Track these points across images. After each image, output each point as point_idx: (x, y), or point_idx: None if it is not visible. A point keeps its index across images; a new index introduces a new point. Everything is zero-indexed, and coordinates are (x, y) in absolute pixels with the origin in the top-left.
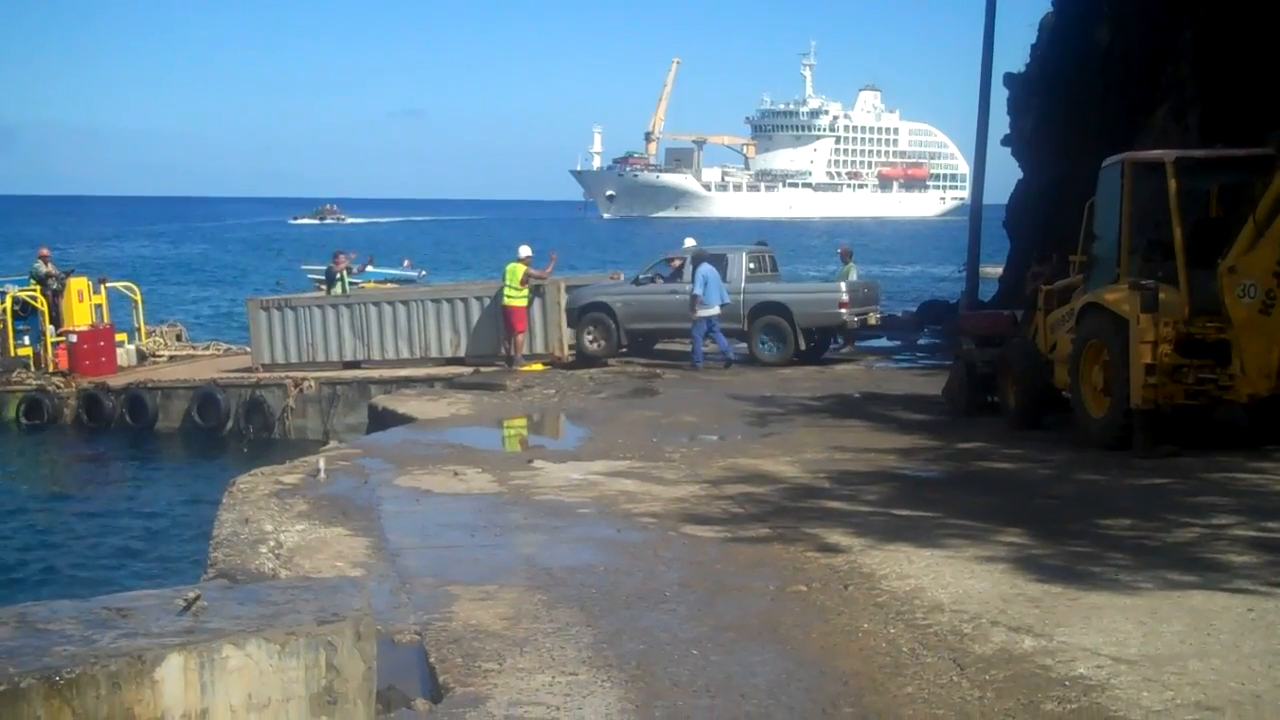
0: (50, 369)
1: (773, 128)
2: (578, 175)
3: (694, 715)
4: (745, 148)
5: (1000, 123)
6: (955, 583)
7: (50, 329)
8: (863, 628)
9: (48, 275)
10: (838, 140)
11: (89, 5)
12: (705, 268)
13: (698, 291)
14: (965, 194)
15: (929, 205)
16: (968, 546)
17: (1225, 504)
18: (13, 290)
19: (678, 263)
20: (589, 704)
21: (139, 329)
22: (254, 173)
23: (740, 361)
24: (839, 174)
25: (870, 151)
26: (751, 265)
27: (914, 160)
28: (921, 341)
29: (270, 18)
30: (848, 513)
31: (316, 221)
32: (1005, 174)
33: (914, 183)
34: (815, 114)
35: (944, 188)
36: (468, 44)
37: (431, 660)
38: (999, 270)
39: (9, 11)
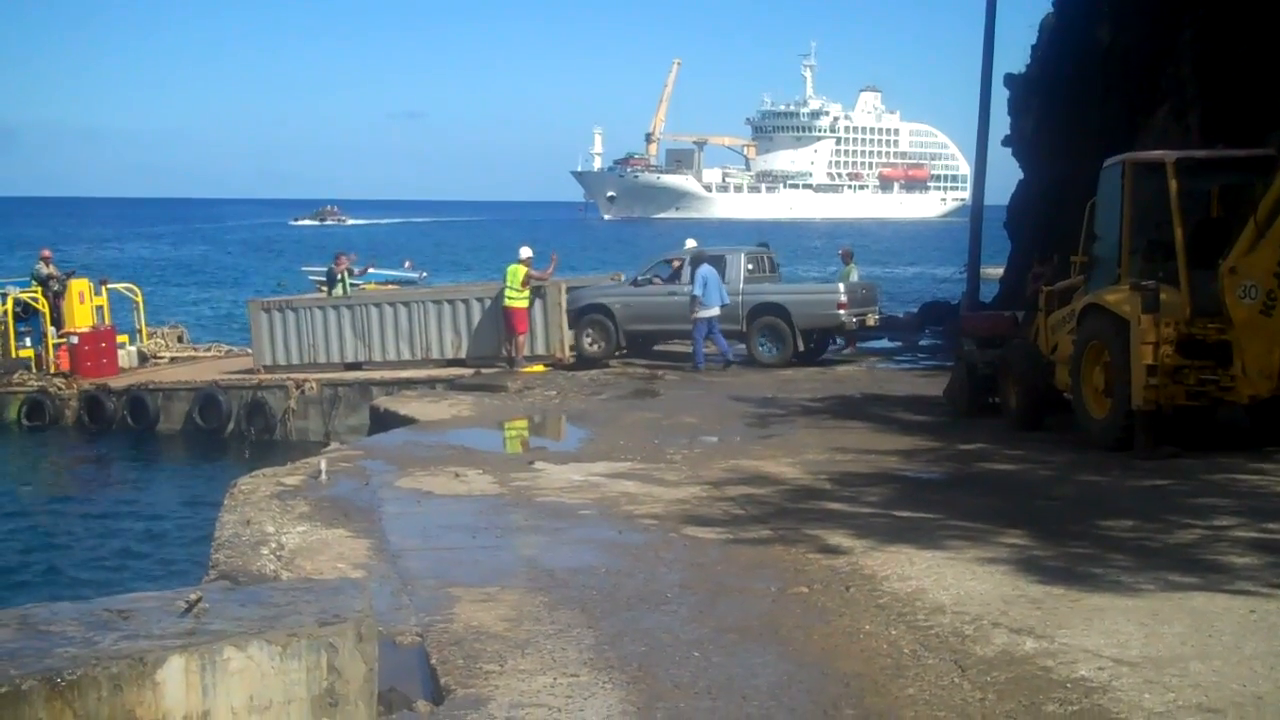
0: (52, 370)
1: (773, 129)
2: (578, 176)
3: (695, 717)
4: (746, 149)
5: (1001, 123)
6: (957, 584)
7: (51, 330)
8: (864, 629)
9: (49, 277)
10: (838, 141)
11: (89, 6)
12: (705, 269)
13: (697, 292)
14: (966, 195)
15: (930, 206)
16: (969, 548)
17: (1226, 505)
18: (14, 292)
19: (677, 264)
20: (590, 705)
21: (140, 330)
22: (254, 174)
23: (739, 363)
24: (840, 175)
25: (871, 152)
26: (750, 266)
27: (915, 161)
28: (923, 342)
29: (270, 19)
30: (849, 514)
31: (317, 223)
32: (1006, 175)
33: (915, 184)
34: (816, 115)
35: (945, 189)
36: (468, 45)
37: (433, 662)
38: (1000, 271)
39: (9, 12)
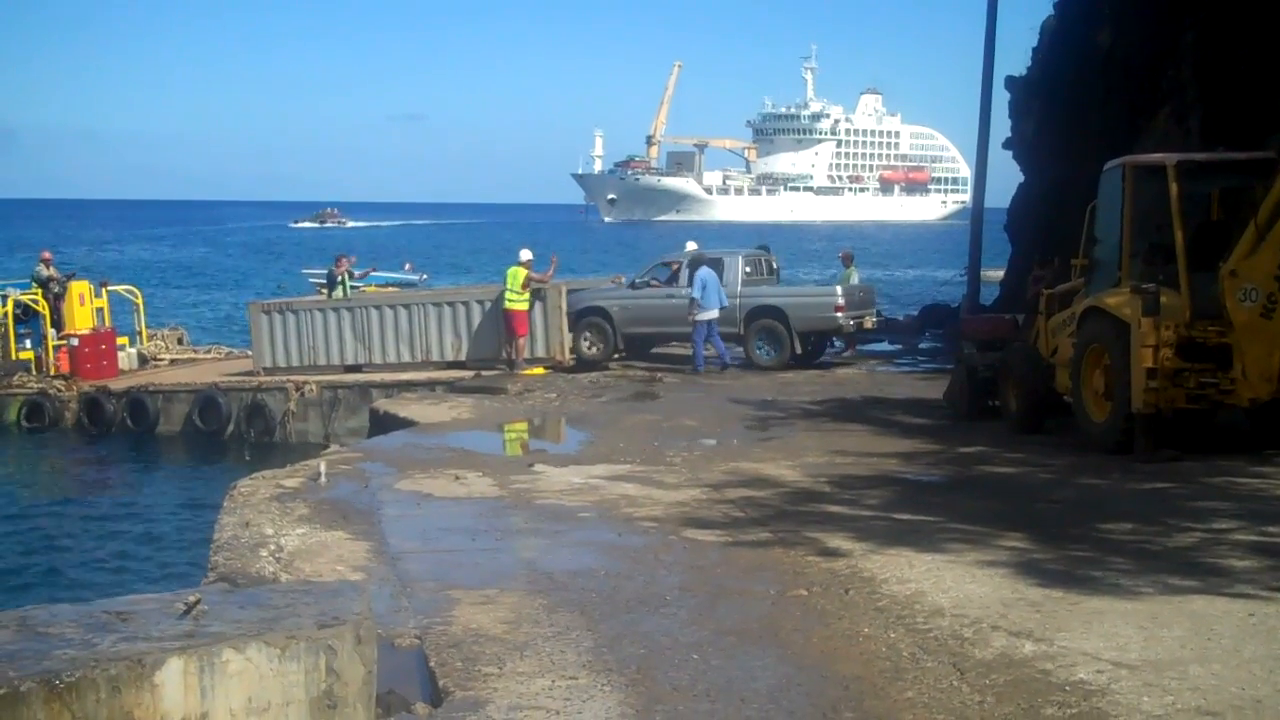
0: (51, 372)
1: (774, 131)
2: (579, 179)
3: None
4: (746, 151)
5: (1001, 126)
6: (956, 587)
7: (52, 332)
8: (863, 632)
9: (49, 279)
10: (839, 144)
11: (89, 8)
12: (704, 271)
13: (695, 295)
14: (966, 197)
15: (930, 209)
16: (968, 551)
17: (1226, 508)
18: (14, 294)
19: (675, 267)
20: (589, 708)
21: (140, 332)
22: (254, 176)
23: (737, 365)
24: (840, 177)
25: (872, 155)
26: (748, 269)
27: (915, 164)
28: (923, 345)
29: (270, 21)
30: (848, 517)
31: (317, 225)
32: (1006, 177)
33: (915, 186)
34: (816, 117)
35: (945, 191)
36: (468, 47)
37: (432, 664)
38: (1000, 274)
39: (9, 14)
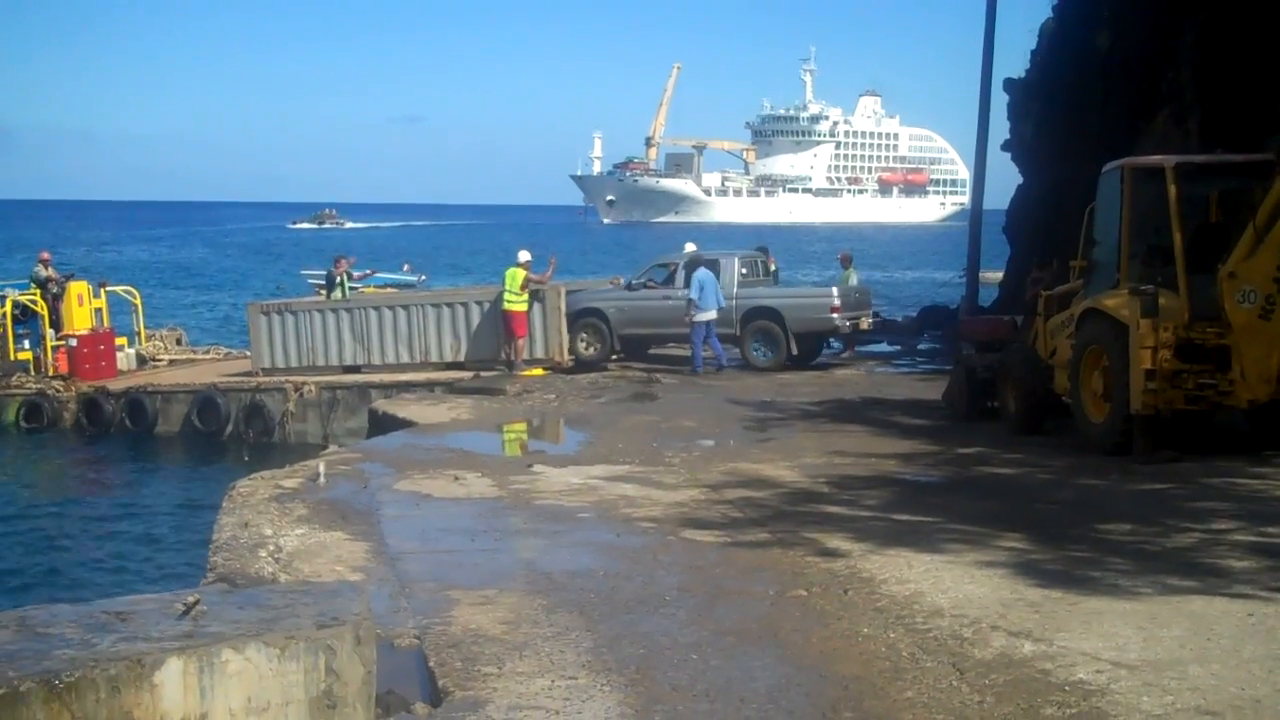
0: (50, 373)
1: (773, 133)
2: (578, 180)
3: None
4: (745, 153)
5: (1000, 128)
6: (955, 587)
7: (50, 333)
8: (862, 632)
9: (48, 279)
10: (838, 145)
11: (88, 9)
12: (701, 272)
13: (693, 296)
14: (965, 199)
15: (929, 210)
16: (968, 551)
17: (1225, 509)
18: (13, 294)
19: (672, 268)
20: (588, 708)
21: (139, 333)
22: (253, 177)
23: (732, 367)
24: (839, 179)
25: (870, 157)
26: (744, 270)
27: (914, 165)
28: (921, 346)
29: (270, 23)
30: (847, 517)
31: (315, 226)
32: (1005, 179)
33: (914, 188)
34: (815, 119)
35: (944, 193)
36: (468, 49)
37: (431, 664)
38: (999, 275)
39: (8, 14)
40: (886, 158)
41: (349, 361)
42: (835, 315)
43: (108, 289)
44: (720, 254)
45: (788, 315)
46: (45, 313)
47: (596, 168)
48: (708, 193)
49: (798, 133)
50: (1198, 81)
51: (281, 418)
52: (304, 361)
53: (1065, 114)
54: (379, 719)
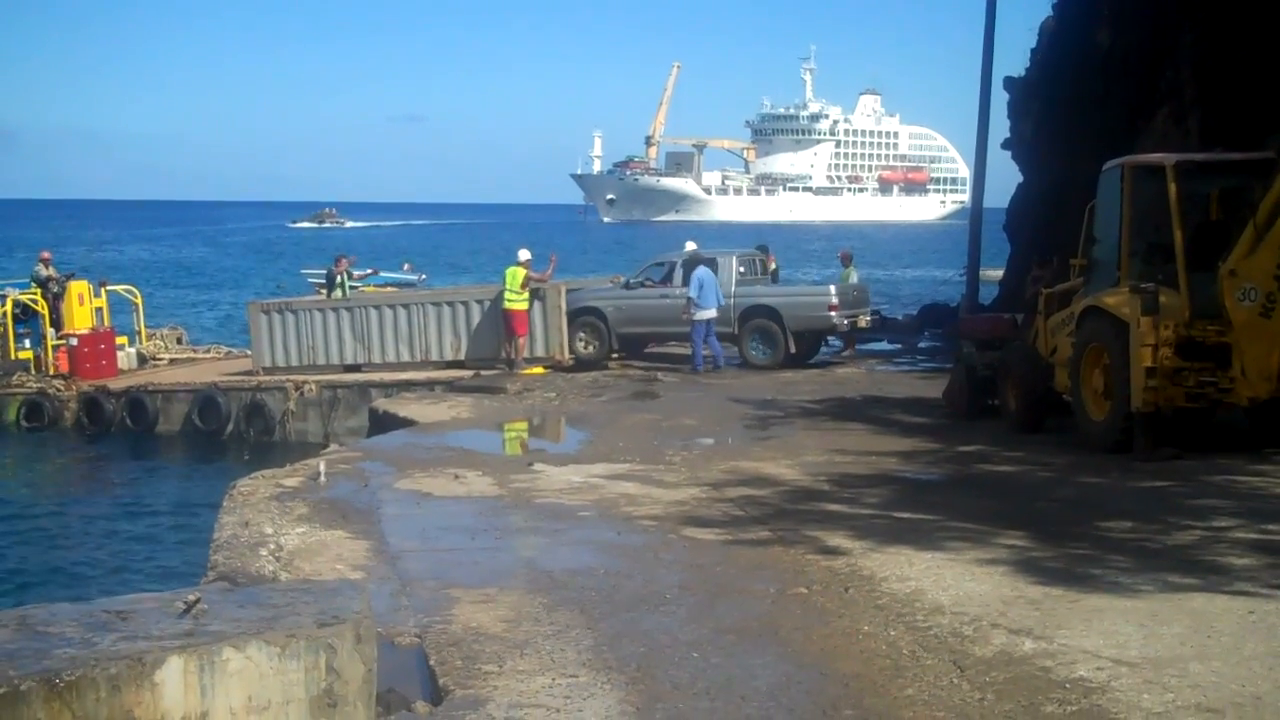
0: (51, 372)
1: (773, 131)
2: (578, 179)
3: (694, 718)
4: (745, 151)
5: (1000, 126)
6: (956, 585)
7: (51, 332)
8: (863, 630)
9: (48, 278)
10: (838, 144)
11: (89, 8)
12: (701, 270)
13: (692, 294)
14: (965, 197)
15: (929, 209)
16: (968, 549)
17: (1226, 507)
18: (13, 293)
19: (669, 266)
20: (589, 706)
21: (139, 332)
22: (254, 177)
23: (733, 365)
24: (839, 178)
25: (870, 155)
26: (741, 269)
27: (914, 164)
28: (922, 345)
29: (270, 23)
30: (848, 515)
31: (315, 225)
32: (1005, 177)
33: (914, 186)
34: (815, 118)
35: (944, 191)
36: (468, 48)
37: (431, 663)
38: (999, 274)
39: (8, 14)
40: (887, 156)
41: (349, 360)
42: (833, 313)
43: (108, 288)
44: (718, 253)
45: (786, 314)
46: (46, 312)
47: (597, 166)
48: (708, 191)
49: (798, 131)
50: (1198, 80)
51: (282, 417)
52: (304, 360)
53: (1065, 112)
54: (380, 717)
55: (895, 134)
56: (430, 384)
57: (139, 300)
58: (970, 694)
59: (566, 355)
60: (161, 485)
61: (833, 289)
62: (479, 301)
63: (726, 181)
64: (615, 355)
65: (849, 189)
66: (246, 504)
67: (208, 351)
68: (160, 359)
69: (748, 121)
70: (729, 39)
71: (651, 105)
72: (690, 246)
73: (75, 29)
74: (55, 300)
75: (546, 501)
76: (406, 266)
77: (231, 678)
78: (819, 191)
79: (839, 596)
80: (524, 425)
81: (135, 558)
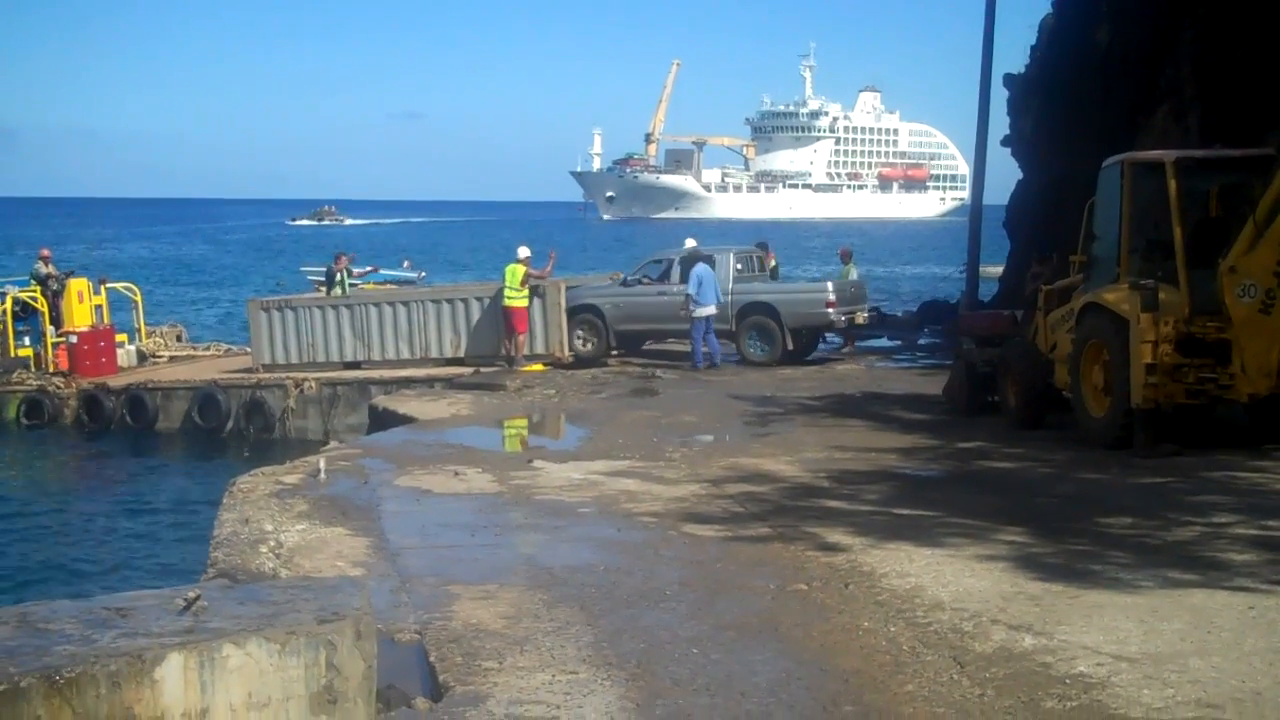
0: (50, 369)
1: (773, 129)
2: (578, 176)
3: (694, 714)
4: (745, 149)
5: (1000, 123)
6: (956, 581)
7: (50, 330)
8: (863, 626)
9: (48, 276)
10: (838, 141)
11: (89, 8)
12: (700, 268)
13: (691, 291)
14: (965, 194)
15: (929, 206)
16: (968, 545)
17: (1226, 503)
18: (13, 291)
19: (667, 263)
20: (589, 702)
21: (139, 329)
22: (253, 175)
23: (732, 363)
24: (839, 175)
25: (870, 152)
26: (739, 266)
27: (914, 161)
28: (922, 341)
29: (269, 21)
30: (848, 512)
31: (315, 223)
32: (1005, 174)
33: (914, 183)
34: (815, 115)
35: (944, 188)
36: (467, 46)
37: (432, 659)
38: (999, 270)
39: (9, 13)
40: (886, 153)
41: (349, 358)
42: (831, 310)
43: (108, 286)
44: (716, 250)
45: (783, 310)
46: (46, 309)
47: (596, 164)
48: (707, 189)
49: (797, 128)
50: (1197, 77)
51: (282, 414)
52: (304, 358)
53: (1065, 109)
54: (380, 714)
55: (895, 131)
56: (430, 381)
57: (139, 298)
58: (970, 690)
59: (566, 352)
60: (161, 482)
61: (830, 286)
62: (478, 299)
63: (726, 179)
64: (615, 352)
65: (849, 186)
66: (246, 501)
67: (207, 349)
68: (160, 356)
69: (747, 119)
70: (729, 36)
71: (651, 102)
72: (690, 244)
73: (75, 28)
74: (55, 298)
75: (546, 498)
76: (406, 264)
77: (231, 674)
78: (819, 189)
79: (839, 593)
80: (524, 422)
81: (135, 555)
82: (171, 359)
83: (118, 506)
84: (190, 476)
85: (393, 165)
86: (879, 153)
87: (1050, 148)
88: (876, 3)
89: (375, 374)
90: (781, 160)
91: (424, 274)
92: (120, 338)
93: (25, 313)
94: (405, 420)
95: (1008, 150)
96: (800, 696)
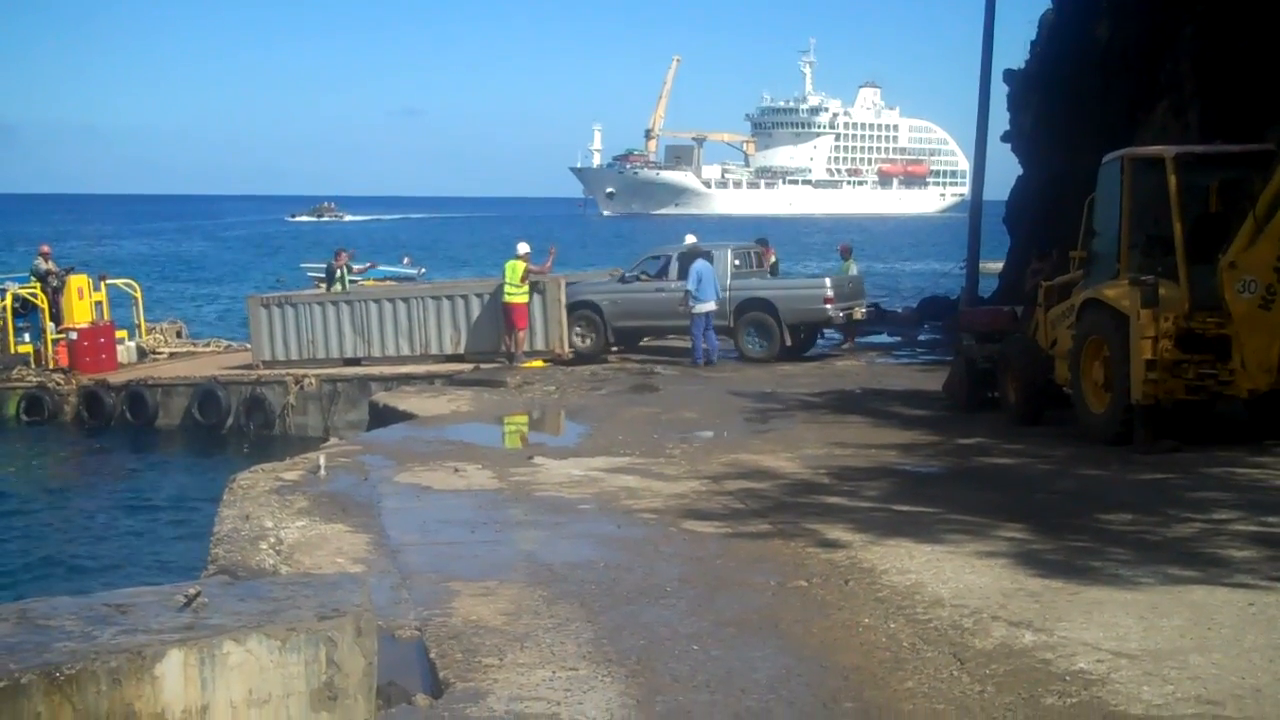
0: (50, 366)
1: (773, 125)
2: (578, 173)
3: (694, 710)
4: (745, 145)
5: (1000, 119)
6: (956, 578)
7: (50, 326)
8: (863, 623)
9: (48, 272)
10: (838, 137)
11: (88, 4)
12: (700, 263)
13: (690, 287)
14: (965, 190)
15: (929, 202)
16: (968, 542)
17: (1226, 499)
18: (13, 287)
19: (665, 260)
20: (589, 699)
21: (139, 326)
22: (252, 171)
23: (731, 359)
24: (839, 171)
25: (870, 148)
26: (736, 262)
27: (914, 157)
28: (922, 337)
29: (269, 17)
30: (848, 508)
31: (314, 219)
32: (1005, 170)
33: (914, 179)
34: (815, 111)
35: (944, 184)
36: (467, 42)
37: (432, 656)
38: (999, 266)
39: (9, 10)
40: (886, 149)
41: (349, 354)
42: (829, 306)
43: (108, 282)
44: (714, 246)
45: (781, 306)
46: (45, 306)
47: (596, 160)
48: (707, 185)
49: (797, 124)
50: (1197, 73)
51: (282, 410)
52: (304, 354)
53: (1065, 105)
54: (380, 710)
55: (895, 127)
56: (430, 377)
57: (138, 294)
58: (970, 686)
59: (566, 349)
60: (161, 479)
61: (828, 281)
62: (478, 295)
63: (726, 175)
64: (614, 349)
65: (849, 182)
66: (246, 498)
67: (207, 345)
68: (160, 353)
69: (747, 115)
70: (728, 32)
71: (651, 99)
72: (690, 240)
73: (74, 24)
74: (55, 294)
75: (546, 495)
76: (406, 260)
77: (232, 671)
78: (819, 185)
79: (839, 589)
80: (524, 419)
81: (135, 551)
82: (171, 355)
83: (118, 503)
84: (190, 473)
85: (392, 161)
86: (879, 149)
87: (1050, 143)
88: None
89: (375, 370)
90: (781, 156)
91: (424, 270)
92: (120, 334)
93: (25, 309)
94: (405, 417)
95: (1008, 146)
96: (800, 693)
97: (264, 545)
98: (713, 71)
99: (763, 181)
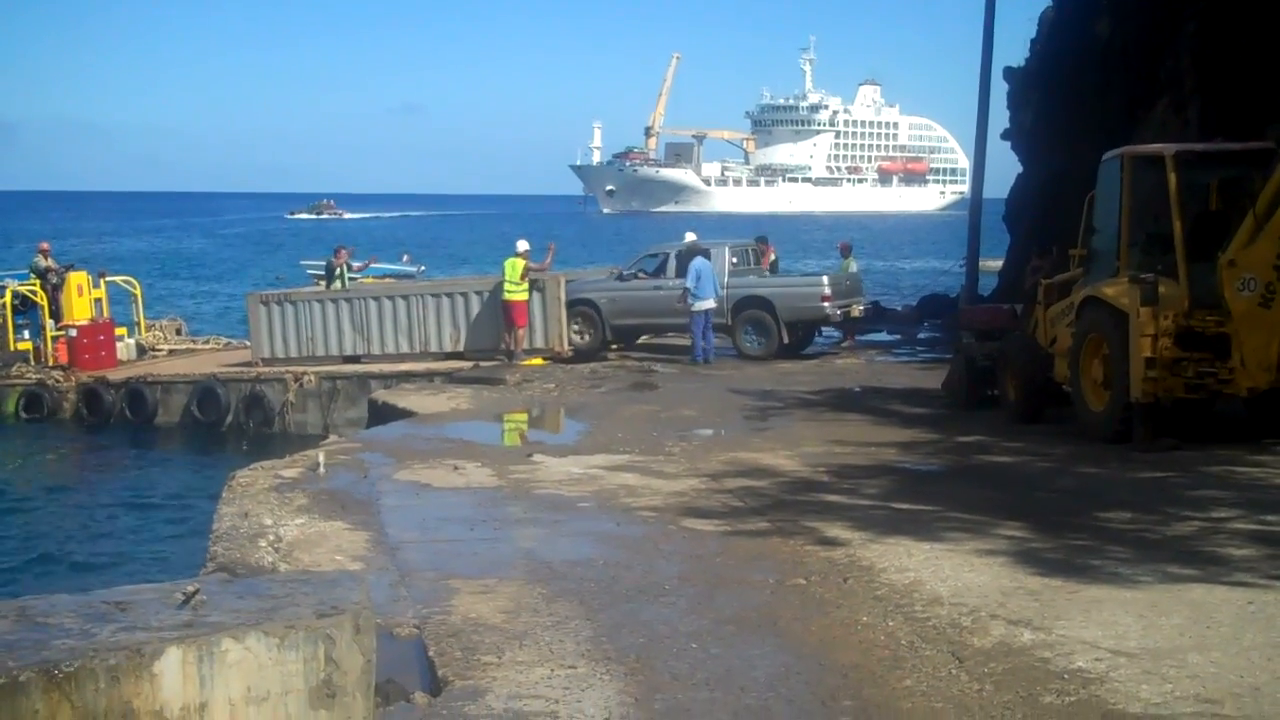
0: (50, 363)
1: (772, 122)
2: (578, 170)
3: (693, 708)
4: (745, 142)
5: (1000, 117)
6: (954, 576)
7: (50, 323)
8: (862, 621)
9: (47, 269)
10: (837, 135)
11: (88, 1)
12: (699, 261)
13: (689, 285)
14: (965, 188)
15: (929, 199)
16: (967, 540)
17: (1225, 497)
18: (12, 285)
19: (663, 258)
20: (588, 697)
21: (139, 323)
22: (251, 168)
23: (730, 357)
24: (839, 168)
25: (870, 146)
26: (734, 260)
27: (914, 154)
28: (921, 335)
29: (269, 14)
30: (847, 506)
31: (313, 216)
32: (1005, 168)
33: (914, 177)
34: (815, 109)
35: (944, 182)
36: (467, 39)
37: (431, 653)
38: (999, 264)
39: (8, 7)
40: (886, 147)
41: (349, 352)
42: (826, 304)
43: (107, 279)
44: (712, 244)
45: (779, 304)
46: (45, 303)
47: (596, 158)
48: (707, 182)
49: (797, 122)
50: (1197, 70)
51: (281, 408)
52: (304, 352)
53: (1065, 102)
54: (379, 708)
55: (895, 124)
56: (429, 375)
57: (138, 291)
58: (969, 685)
59: (566, 347)
60: (160, 476)
61: (825, 279)
62: (478, 293)
63: (726, 172)
64: (614, 346)
65: (848, 180)
66: (245, 495)
67: (207, 343)
68: (159, 350)
69: (747, 112)
70: (728, 30)
71: (651, 96)
72: (690, 237)
73: (74, 21)
74: (54, 291)
75: (546, 492)
76: (405, 258)
77: (230, 668)
78: (818, 182)
79: (838, 587)
80: (523, 416)
81: (134, 549)
82: (171, 353)
83: (117, 500)
84: (189, 470)
85: (392, 159)
86: (879, 146)
87: (1050, 141)
88: None
89: (375, 368)
90: (781, 154)
91: (423, 268)
92: (120, 331)
93: (25, 306)
94: (405, 414)
95: (1007, 144)
96: (799, 691)
97: (263, 543)
98: (713, 69)
99: (763, 179)
